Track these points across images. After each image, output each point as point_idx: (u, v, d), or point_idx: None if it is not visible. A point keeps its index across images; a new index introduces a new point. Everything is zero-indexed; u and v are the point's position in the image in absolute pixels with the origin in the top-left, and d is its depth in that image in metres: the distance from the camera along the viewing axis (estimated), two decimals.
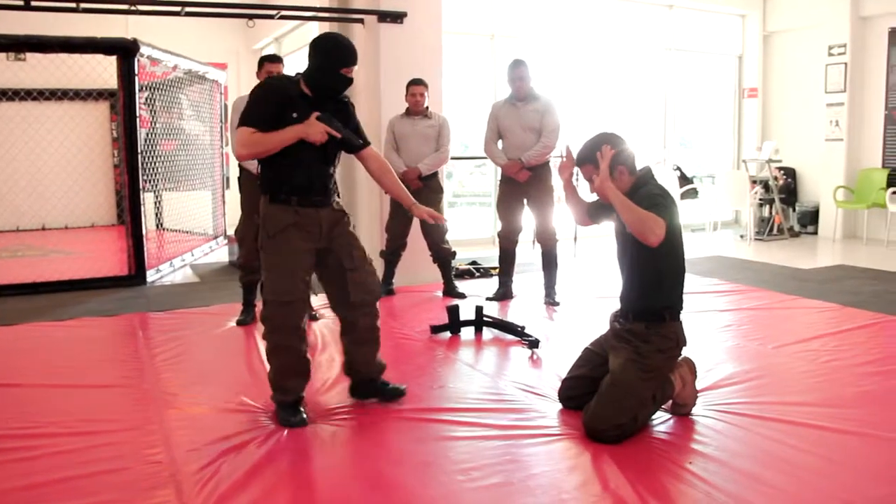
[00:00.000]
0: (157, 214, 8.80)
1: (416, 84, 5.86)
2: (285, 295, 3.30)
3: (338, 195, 3.55)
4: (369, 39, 6.83)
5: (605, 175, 3.21)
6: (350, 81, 3.37)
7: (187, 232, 8.88)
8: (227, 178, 9.35)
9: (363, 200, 7.45)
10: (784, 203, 10.06)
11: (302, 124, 3.23)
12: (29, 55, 9.28)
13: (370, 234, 6.95)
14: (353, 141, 3.45)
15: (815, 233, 9.95)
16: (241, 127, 3.27)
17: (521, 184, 5.65)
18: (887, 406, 3.56)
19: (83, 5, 6.11)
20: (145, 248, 6.96)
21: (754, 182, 9.70)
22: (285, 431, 3.25)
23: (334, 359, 4.33)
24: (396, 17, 6.60)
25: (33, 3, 5.97)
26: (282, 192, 3.32)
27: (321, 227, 3.38)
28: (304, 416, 3.37)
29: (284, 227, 3.31)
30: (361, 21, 6.92)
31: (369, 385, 3.64)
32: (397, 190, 3.65)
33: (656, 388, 3.25)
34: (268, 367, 3.46)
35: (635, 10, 10.36)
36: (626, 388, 3.17)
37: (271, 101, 3.27)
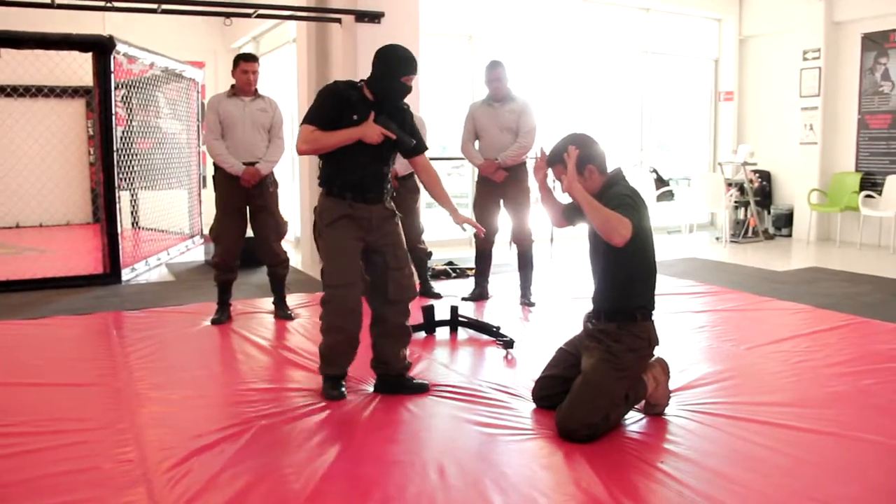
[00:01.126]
0: (132, 213, 8.75)
1: None
2: (343, 278, 3.53)
3: (391, 195, 3.74)
4: (346, 39, 6.83)
5: (571, 175, 3.24)
6: (409, 89, 3.59)
7: (163, 231, 8.83)
8: (204, 177, 9.31)
9: None
10: (759, 206, 10.15)
11: (360, 126, 3.46)
12: (3, 51, 9.17)
13: None
14: (407, 143, 3.60)
15: (790, 235, 10.04)
16: (303, 125, 3.51)
17: (498, 184, 5.66)
18: (857, 406, 3.60)
19: (58, 1, 6.06)
20: (120, 247, 6.92)
21: (730, 185, 9.77)
22: (252, 430, 3.25)
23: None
24: (374, 17, 6.60)
25: None
26: (335, 187, 3.56)
27: (371, 221, 3.59)
28: (344, 391, 3.63)
29: (339, 216, 3.54)
30: (339, 20, 6.92)
31: (395, 380, 3.75)
32: (444, 200, 3.78)
33: (629, 388, 3.27)
34: (322, 341, 3.67)
35: (612, 13, 10.42)
36: (597, 387, 3.19)
37: (334, 103, 3.52)
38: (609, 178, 3.36)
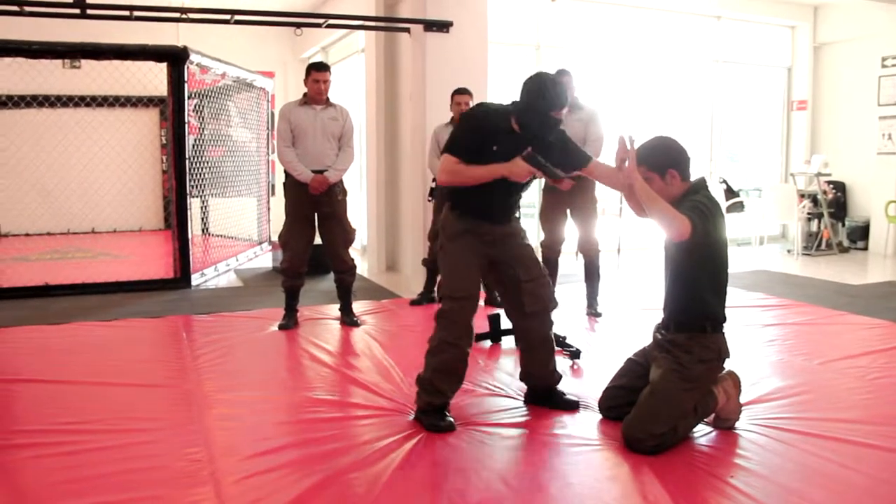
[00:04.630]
0: (203, 219, 8.93)
1: (461, 93, 5.86)
2: (460, 291, 3.42)
3: (517, 213, 3.71)
4: (415, 48, 6.88)
5: (632, 167, 3.18)
6: (558, 123, 3.41)
7: (232, 237, 8.99)
8: (273, 186, 9.46)
9: (407, 208, 7.49)
10: (833, 217, 9.88)
11: (507, 164, 3.30)
12: (83, 62, 9.50)
13: (413, 241, 6.98)
14: (557, 175, 3.39)
15: (866, 248, 9.75)
16: (446, 154, 3.40)
17: (565, 194, 5.59)
18: None
19: (136, 13, 6.24)
20: (191, 253, 7.06)
21: (802, 196, 9.54)
22: (317, 434, 3.27)
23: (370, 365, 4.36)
24: (442, 27, 6.64)
25: (89, 12, 6.12)
26: (460, 207, 3.49)
27: (495, 237, 3.52)
28: (452, 420, 3.40)
29: (462, 232, 3.47)
30: (408, 30, 6.97)
31: (545, 393, 3.70)
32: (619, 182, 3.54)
33: (697, 400, 3.20)
34: (424, 367, 3.47)
35: (683, 22, 10.27)
36: (665, 397, 3.13)
37: (477, 133, 3.37)
38: (692, 185, 3.30)
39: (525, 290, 3.54)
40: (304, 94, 5.25)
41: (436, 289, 6.04)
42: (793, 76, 11.06)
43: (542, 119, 3.32)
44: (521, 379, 3.79)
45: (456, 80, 6.21)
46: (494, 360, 4.53)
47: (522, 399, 3.77)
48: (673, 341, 3.28)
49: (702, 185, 3.31)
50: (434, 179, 5.96)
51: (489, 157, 3.33)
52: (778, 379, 4.13)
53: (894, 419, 3.52)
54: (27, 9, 5.96)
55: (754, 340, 4.99)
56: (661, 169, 3.25)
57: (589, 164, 3.56)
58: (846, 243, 9.88)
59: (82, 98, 9.06)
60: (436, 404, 3.42)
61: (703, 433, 3.30)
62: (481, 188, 3.38)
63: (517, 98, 3.39)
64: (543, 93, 3.28)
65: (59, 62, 10.03)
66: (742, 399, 3.47)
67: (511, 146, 3.34)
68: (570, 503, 2.66)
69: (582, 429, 3.38)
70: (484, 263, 3.56)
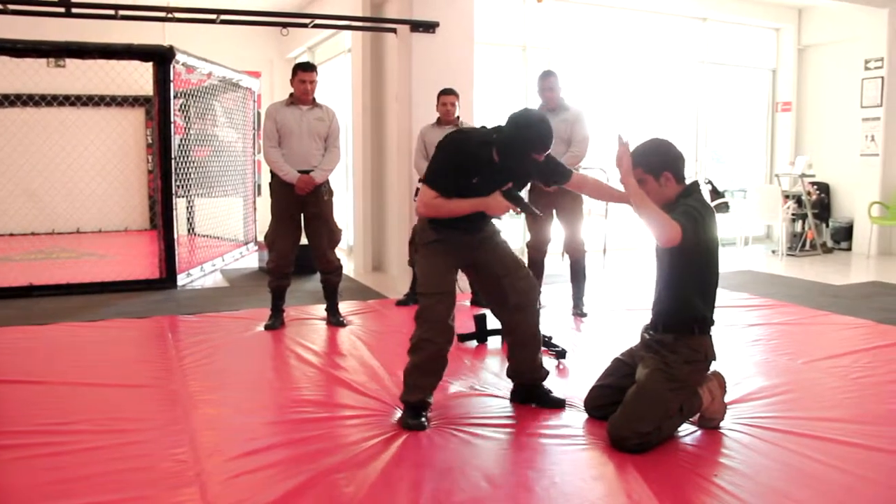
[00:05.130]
0: (188, 220, 8.89)
1: (447, 94, 5.87)
2: (433, 287, 3.45)
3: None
4: (402, 49, 6.88)
5: (627, 170, 3.19)
6: (538, 165, 3.43)
7: (218, 237, 8.96)
8: (259, 185, 9.45)
9: (393, 209, 7.49)
10: (817, 218, 9.95)
11: (486, 199, 3.35)
12: (68, 61, 9.45)
13: (399, 242, 6.98)
14: (533, 213, 3.57)
15: (849, 249, 9.82)
16: (426, 186, 3.42)
17: (551, 195, 5.63)
18: None
19: (121, 12, 6.22)
20: (177, 253, 7.04)
21: (787, 197, 9.60)
22: (303, 435, 3.27)
23: (357, 367, 4.36)
24: (429, 27, 6.64)
25: (73, 10, 6.09)
26: (434, 220, 3.49)
27: (470, 243, 3.57)
28: (424, 421, 3.40)
29: (435, 240, 3.50)
30: (394, 30, 6.97)
31: (531, 391, 3.72)
32: (616, 195, 3.62)
33: (683, 400, 3.22)
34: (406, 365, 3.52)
35: (668, 23, 10.31)
36: (651, 397, 3.15)
37: (458, 166, 3.38)
38: (686, 188, 3.32)
39: (504, 284, 3.58)
40: (291, 95, 5.25)
41: (413, 290, 6.06)
42: (777, 78, 11.13)
43: (523, 159, 3.33)
44: (508, 375, 3.80)
45: (442, 80, 6.22)
46: (480, 359, 4.54)
47: (509, 398, 3.78)
48: (661, 341, 3.30)
49: (695, 188, 3.33)
50: (420, 180, 5.96)
51: (468, 190, 3.37)
52: (762, 378, 4.16)
53: (877, 418, 3.55)
54: (11, 7, 5.92)
55: (739, 340, 5.02)
56: (656, 171, 3.26)
57: (572, 179, 3.63)
58: (830, 244, 9.95)
59: (67, 97, 9.01)
60: (412, 401, 3.45)
61: (687, 432, 3.32)
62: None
63: (502, 124, 3.42)
64: (528, 134, 3.30)
65: (43, 61, 9.97)
66: (727, 399, 3.49)
67: (490, 178, 3.38)
68: (555, 502, 2.67)
69: (568, 428, 3.39)
70: (461, 266, 3.61)
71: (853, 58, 9.71)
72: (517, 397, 3.75)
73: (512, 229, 9.82)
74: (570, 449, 3.17)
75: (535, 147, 3.30)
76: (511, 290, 3.58)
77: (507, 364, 3.80)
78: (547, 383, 3.78)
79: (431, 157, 3.52)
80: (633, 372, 3.35)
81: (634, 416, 3.12)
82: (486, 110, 8.35)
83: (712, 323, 3.36)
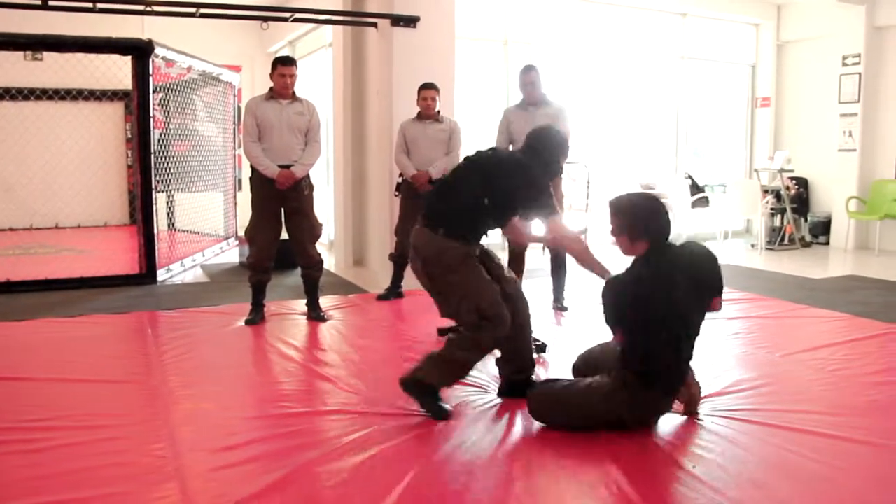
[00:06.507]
0: (169, 215, 8.85)
1: (427, 88, 5.87)
2: (497, 301, 3.49)
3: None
4: (382, 43, 6.87)
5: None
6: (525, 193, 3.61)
7: (198, 233, 8.92)
8: (240, 180, 9.40)
9: (374, 203, 7.48)
10: (796, 213, 10.03)
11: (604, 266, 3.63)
12: (46, 55, 9.37)
13: (380, 236, 6.98)
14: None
15: (827, 243, 9.91)
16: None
17: None
18: (894, 415, 3.55)
19: (99, 5, 6.16)
20: (156, 248, 7.00)
21: (766, 191, 9.67)
22: (284, 430, 3.28)
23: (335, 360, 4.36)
24: (409, 22, 6.63)
25: (50, 3, 6.03)
26: (458, 236, 3.51)
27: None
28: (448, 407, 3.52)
29: (465, 255, 3.53)
30: (375, 25, 6.96)
31: (523, 385, 3.67)
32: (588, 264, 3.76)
33: (609, 417, 3.24)
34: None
35: (649, 19, 10.36)
36: (585, 404, 3.25)
37: None
38: (656, 248, 3.27)
39: (501, 276, 3.68)
40: (270, 89, 5.23)
41: (394, 284, 6.07)
42: (757, 73, 11.21)
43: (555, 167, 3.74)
44: (499, 365, 3.82)
45: (423, 74, 6.21)
46: None
47: (497, 392, 3.78)
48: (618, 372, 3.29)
49: (664, 250, 3.27)
50: (401, 175, 5.97)
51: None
52: (741, 371, 4.20)
53: (854, 409, 3.59)
54: None
55: (718, 333, 5.05)
56: (628, 231, 3.27)
57: (551, 226, 3.69)
58: (808, 238, 10.04)
59: (44, 91, 8.93)
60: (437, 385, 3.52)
61: (665, 423, 3.34)
62: (482, 221, 3.57)
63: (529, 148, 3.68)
64: (555, 142, 3.68)
65: (20, 54, 9.89)
66: (705, 391, 3.52)
67: None
68: (533, 491, 2.69)
69: None
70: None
71: (831, 54, 9.79)
72: (505, 393, 3.74)
73: None
74: (550, 441, 3.18)
75: (565, 153, 3.76)
76: (505, 280, 3.69)
77: (496, 357, 3.81)
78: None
79: (538, 193, 3.55)
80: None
81: (560, 408, 3.28)
82: (467, 105, 8.37)
83: (659, 381, 3.25)
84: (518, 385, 3.71)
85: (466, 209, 3.52)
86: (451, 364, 3.48)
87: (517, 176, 3.54)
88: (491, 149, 3.85)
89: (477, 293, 3.44)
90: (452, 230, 3.49)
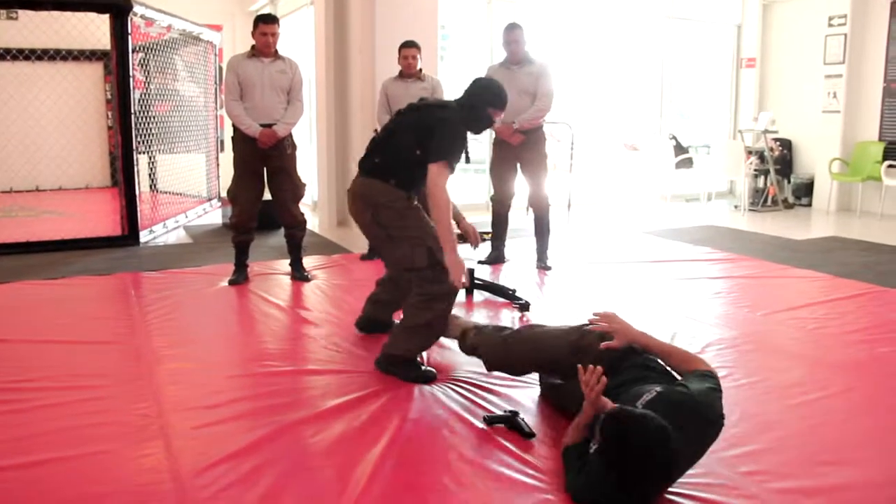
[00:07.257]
0: (150, 176, 8.77)
1: (408, 47, 5.79)
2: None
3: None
4: (365, 1, 6.78)
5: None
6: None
7: (181, 194, 8.86)
8: (222, 141, 9.32)
9: (356, 163, 7.43)
10: (779, 174, 10.05)
11: (457, 261, 3.44)
12: (21, 13, 9.19)
13: None
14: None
15: (810, 205, 9.95)
16: (445, 167, 3.39)
17: (515, 148, 5.63)
18: (873, 373, 3.59)
19: None
20: (139, 209, 6.94)
21: (750, 153, 9.68)
22: (268, 388, 3.29)
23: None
24: None
25: None
26: (406, 189, 3.55)
27: None
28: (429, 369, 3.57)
29: (411, 200, 3.58)
30: None
31: (385, 326, 4.04)
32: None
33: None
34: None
35: None
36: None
37: (463, 145, 3.53)
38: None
39: None
40: (252, 47, 5.16)
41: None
42: (742, 34, 11.15)
43: (485, 118, 3.63)
44: (372, 301, 4.08)
45: (406, 33, 6.14)
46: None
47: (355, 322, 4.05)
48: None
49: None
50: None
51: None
52: (721, 330, 4.23)
53: (832, 366, 3.64)
54: None
55: (701, 293, 5.09)
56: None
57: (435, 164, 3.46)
58: (791, 199, 10.07)
59: (20, 51, 8.77)
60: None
61: None
62: (419, 173, 3.44)
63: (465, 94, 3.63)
64: (488, 92, 3.63)
65: None
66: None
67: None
68: (518, 442, 2.72)
69: (524, 382, 3.42)
70: None
71: (817, 14, 9.74)
72: (365, 326, 4.11)
73: (475, 184, 9.83)
74: (531, 390, 3.21)
75: (494, 103, 3.59)
76: None
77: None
78: None
79: (442, 134, 3.42)
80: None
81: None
82: (451, 64, 8.30)
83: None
84: (379, 324, 4.04)
85: (406, 161, 3.52)
86: (417, 329, 3.49)
87: (439, 122, 3.49)
88: (421, 99, 3.84)
89: (428, 235, 3.47)
90: (401, 182, 3.52)
